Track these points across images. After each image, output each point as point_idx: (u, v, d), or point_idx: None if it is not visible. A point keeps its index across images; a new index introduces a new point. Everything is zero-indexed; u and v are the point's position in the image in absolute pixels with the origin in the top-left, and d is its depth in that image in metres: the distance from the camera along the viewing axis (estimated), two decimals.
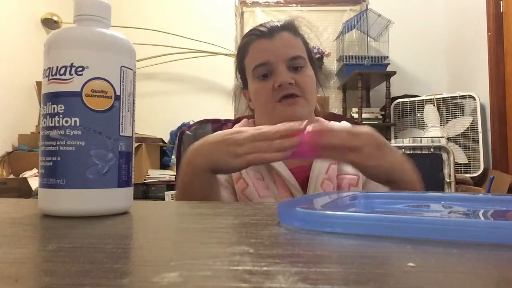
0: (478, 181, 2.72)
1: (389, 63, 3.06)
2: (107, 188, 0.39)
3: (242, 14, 3.55)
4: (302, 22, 0.88)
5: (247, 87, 0.88)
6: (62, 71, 0.39)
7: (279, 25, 0.83)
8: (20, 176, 2.50)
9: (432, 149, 2.30)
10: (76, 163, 0.38)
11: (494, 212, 0.39)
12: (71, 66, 0.38)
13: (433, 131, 2.91)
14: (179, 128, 3.10)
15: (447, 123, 2.96)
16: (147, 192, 2.75)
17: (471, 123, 2.85)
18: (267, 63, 0.80)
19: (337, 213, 0.29)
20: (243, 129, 0.63)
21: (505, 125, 2.65)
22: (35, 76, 2.86)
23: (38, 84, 2.90)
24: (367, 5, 3.34)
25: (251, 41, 0.84)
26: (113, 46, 0.40)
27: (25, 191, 2.26)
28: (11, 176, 2.56)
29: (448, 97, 2.96)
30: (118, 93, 0.40)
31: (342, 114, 3.10)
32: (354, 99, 3.15)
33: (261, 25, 0.85)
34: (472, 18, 2.97)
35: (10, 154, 2.64)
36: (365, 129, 0.62)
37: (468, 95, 2.89)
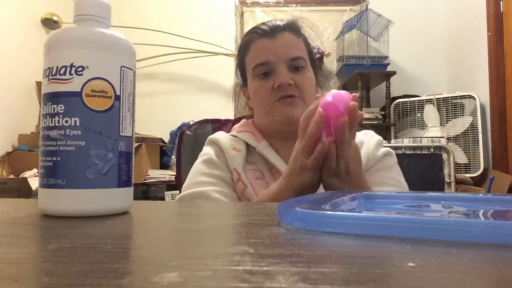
0: (478, 181, 2.72)
1: (389, 63, 3.06)
2: (107, 188, 0.39)
3: (242, 14, 3.55)
4: (304, 22, 0.88)
5: (246, 85, 0.88)
6: (62, 71, 0.39)
7: (281, 24, 0.83)
8: (20, 176, 2.50)
9: (432, 149, 2.30)
10: (76, 163, 0.38)
11: (494, 212, 0.39)
12: (71, 66, 0.38)
13: (433, 131, 2.91)
14: (179, 128, 3.10)
15: (447, 123, 2.95)
16: (147, 192, 2.75)
17: (471, 123, 2.85)
18: (267, 62, 0.80)
19: (337, 213, 0.29)
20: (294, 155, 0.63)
21: (505, 125, 2.65)
22: (35, 76, 2.86)
23: (38, 84, 2.90)
24: (367, 5, 3.34)
25: (252, 39, 0.83)
26: (113, 46, 0.40)
27: (25, 191, 2.26)
28: (11, 176, 2.56)
29: (448, 97, 2.96)
30: (118, 93, 0.40)
31: None
32: None
33: (263, 23, 0.85)
34: (472, 18, 2.97)
35: (10, 154, 2.64)
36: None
37: (468, 95, 2.89)
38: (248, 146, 0.83)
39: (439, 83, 3.30)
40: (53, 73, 0.39)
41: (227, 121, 1.08)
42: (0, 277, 0.18)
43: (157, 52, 3.24)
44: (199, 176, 0.79)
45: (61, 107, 0.38)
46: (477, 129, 2.82)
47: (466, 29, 3.09)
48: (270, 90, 0.79)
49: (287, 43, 0.81)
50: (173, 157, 3.02)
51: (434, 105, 2.98)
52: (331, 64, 3.42)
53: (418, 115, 3.06)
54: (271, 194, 0.65)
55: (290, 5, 3.50)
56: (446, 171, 2.24)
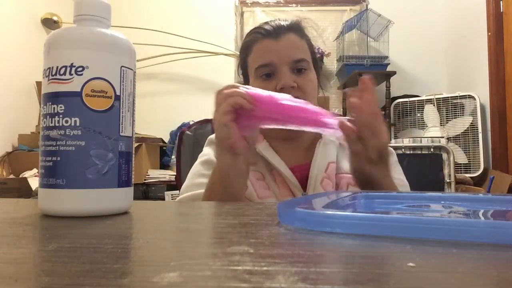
0: (478, 181, 2.72)
1: (389, 63, 3.06)
2: (107, 188, 0.39)
3: (242, 14, 3.54)
4: (308, 23, 0.87)
5: (248, 84, 0.88)
6: (62, 71, 0.39)
7: (285, 25, 0.82)
8: (20, 176, 2.49)
9: (432, 149, 2.30)
10: (76, 163, 0.38)
11: (494, 212, 0.40)
12: (71, 66, 0.38)
13: (433, 131, 2.91)
14: (179, 128, 3.10)
15: (447, 123, 2.95)
16: (147, 192, 2.75)
17: (471, 123, 2.85)
18: (270, 64, 0.79)
19: (337, 213, 0.29)
20: None
21: (505, 125, 2.65)
22: (35, 76, 2.86)
23: (38, 84, 2.90)
24: (367, 5, 3.33)
25: (255, 39, 0.83)
26: (113, 46, 0.40)
27: (25, 191, 2.26)
28: (11, 176, 2.56)
29: (448, 97, 2.96)
30: (118, 93, 0.40)
31: (342, 114, 3.09)
32: None
33: (266, 23, 0.84)
34: (472, 18, 2.97)
35: (10, 154, 2.64)
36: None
37: (468, 95, 2.89)
38: None
39: (439, 83, 3.29)
40: (53, 73, 0.39)
41: None
42: (0, 277, 0.18)
43: (157, 52, 3.24)
44: (199, 177, 0.78)
45: (61, 107, 0.38)
46: (477, 129, 2.82)
47: (466, 29, 3.09)
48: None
49: (290, 45, 0.80)
50: (173, 157, 3.02)
51: (434, 105, 2.98)
52: (331, 64, 3.42)
53: (418, 115, 3.06)
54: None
55: (290, 5, 3.50)
56: (446, 171, 2.24)
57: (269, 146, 0.83)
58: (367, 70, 2.99)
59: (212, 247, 0.25)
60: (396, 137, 3.01)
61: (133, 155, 0.43)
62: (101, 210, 0.38)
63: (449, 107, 2.95)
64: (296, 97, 0.78)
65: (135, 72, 0.43)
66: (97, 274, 0.19)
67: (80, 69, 0.38)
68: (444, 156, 2.27)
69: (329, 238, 0.27)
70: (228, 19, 3.50)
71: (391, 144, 2.31)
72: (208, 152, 0.82)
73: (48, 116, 0.39)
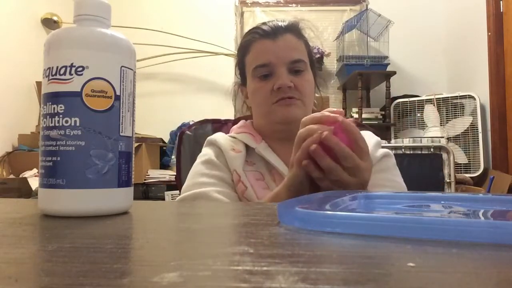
0: (478, 181, 2.72)
1: (389, 63, 3.06)
2: (107, 188, 0.39)
3: (242, 14, 3.55)
4: (305, 24, 0.88)
5: (245, 84, 0.88)
6: (62, 71, 0.39)
7: (283, 25, 0.82)
8: (20, 176, 2.50)
9: (432, 149, 2.29)
10: (76, 163, 0.38)
11: (494, 212, 0.39)
12: (71, 66, 0.38)
13: (433, 131, 2.91)
14: (179, 128, 3.10)
15: (447, 123, 2.96)
16: (147, 192, 2.75)
17: (471, 123, 2.85)
18: (268, 64, 0.79)
19: (337, 213, 0.29)
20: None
21: (505, 125, 2.65)
22: (35, 76, 2.86)
23: (38, 84, 2.90)
24: (367, 5, 3.34)
25: (253, 39, 0.83)
26: (113, 46, 0.40)
27: (25, 191, 2.26)
28: (11, 176, 2.56)
29: (448, 97, 2.96)
30: (118, 93, 0.40)
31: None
32: (354, 99, 3.15)
33: (264, 23, 0.84)
34: (472, 18, 2.97)
35: (10, 154, 2.64)
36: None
37: (468, 95, 2.89)
38: (247, 147, 0.83)
39: (439, 83, 3.30)
40: (53, 73, 0.39)
41: (227, 121, 1.08)
42: (0, 277, 0.18)
43: (157, 52, 3.24)
44: (199, 177, 0.78)
45: (61, 107, 0.38)
46: (477, 129, 2.82)
47: (466, 29, 3.09)
48: (269, 92, 0.79)
49: (288, 45, 0.80)
50: (173, 157, 3.02)
51: (434, 105, 2.98)
52: (331, 64, 3.42)
53: (418, 115, 3.06)
54: (270, 196, 0.66)
55: (290, 5, 3.50)
56: (446, 171, 2.24)
57: (268, 146, 0.83)
58: (367, 70, 2.99)
59: (212, 247, 0.25)
60: (396, 137, 3.01)
61: (133, 155, 0.43)
62: (101, 210, 0.38)
63: (449, 107, 2.95)
64: (292, 96, 0.79)
65: (135, 72, 0.43)
66: (97, 274, 0.19)
67: (80, 69, 0.38)
68: (444, 156, 2.27)
69: (329, 238, 0.27)
70: (228, 19, 3.50)
71: (391, 145, 2.31)
72: (208, 152, 0.82)
73: (48, 116, 0.39)
